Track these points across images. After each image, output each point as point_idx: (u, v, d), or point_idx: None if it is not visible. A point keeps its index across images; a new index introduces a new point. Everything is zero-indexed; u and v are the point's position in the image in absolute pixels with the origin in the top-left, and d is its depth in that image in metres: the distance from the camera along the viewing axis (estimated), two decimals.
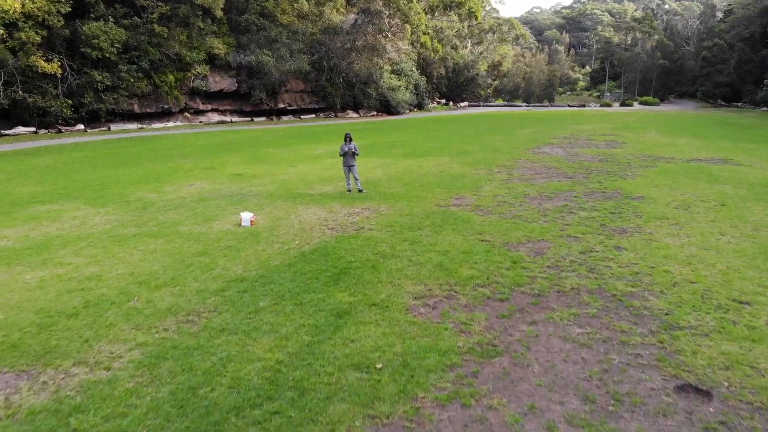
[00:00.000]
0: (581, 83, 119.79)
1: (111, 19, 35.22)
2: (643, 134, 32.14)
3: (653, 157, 22.14)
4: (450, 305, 7.23)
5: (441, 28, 68.38)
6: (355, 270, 8.52)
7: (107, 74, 34.84)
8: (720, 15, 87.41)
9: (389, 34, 52.36)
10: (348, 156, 14.56)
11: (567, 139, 29.61)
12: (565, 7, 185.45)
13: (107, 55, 34.22)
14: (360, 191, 14.80)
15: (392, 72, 55.22)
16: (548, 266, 8.79)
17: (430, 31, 64.02)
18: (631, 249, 9.75)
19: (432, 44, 60.99)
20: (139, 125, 37.06)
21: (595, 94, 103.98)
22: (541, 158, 21.76)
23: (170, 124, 38.44)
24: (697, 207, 13.05)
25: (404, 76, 55.98)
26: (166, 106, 38.49)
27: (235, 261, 9.09)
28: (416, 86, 58.24)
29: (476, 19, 69.17)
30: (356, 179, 14.83)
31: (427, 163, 20.57)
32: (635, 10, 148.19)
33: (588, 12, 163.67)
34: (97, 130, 35.65)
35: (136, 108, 37.36)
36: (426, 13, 63.30)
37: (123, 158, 22.53)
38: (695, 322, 6.87)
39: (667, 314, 7.07)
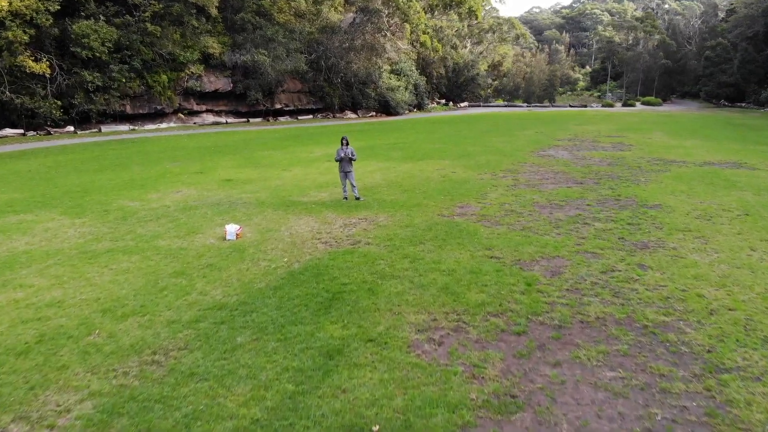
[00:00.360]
0: (581, 83, 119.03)
1: (102, 18, 34.24)
2: (650, 136, 31.20)
3: (664, 160, 21.19)
4: (459, 340, 6.26)
5: (441, 27, 67.42)
6: (349, 294, 7.55)
7: (98, 74, 33.84)
8: (722, 14, 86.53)
9: (388, 34, 51.39)
10: (344, 162, 13.60)
11: (571, 140, 28.67)
12: (564, 7, 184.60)
13: (98, 54, 33.22)
14: (357, 199, 13.85)
15: (391, 72, 54.26)
16: (567, 289, 7.83)
17: (429, 30, 63.06)
18: (656, 267, 8.79)
19: (432, 43, 60.03)
20: (131, 126, 36.06)
21: (595, 94, 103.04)
22: (547, 161, 20.80)
23: (163, 125, 37.42)
24: (719, 217, 12.10)
25: (403, 76, 55.02)
26: (159, 107, 37.48)
27: (215, 283, 8.11)
28: (416, 86, 57.30)
29: (476, 18, 68.20)
30: (353, 186, 13.87)
31: (428, 166, 19.62)
32: (635, 9, 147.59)
33: (588, 12, 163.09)
34: (87, 131, 34.65)
35: (128, 109, 36.36)
36: (425, 12, 62.33)
37: (110, 162, 21.54)
38: (743, 361, 5.92)
39: (709, 351, 6.11)
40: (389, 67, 54.24)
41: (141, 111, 36.98)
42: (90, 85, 33.54)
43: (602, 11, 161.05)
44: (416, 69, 58.48)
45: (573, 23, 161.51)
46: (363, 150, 24.23)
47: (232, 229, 10.37)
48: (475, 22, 73.11)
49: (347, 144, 13.71)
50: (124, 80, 35.08)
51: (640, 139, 28.96)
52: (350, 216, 12.18)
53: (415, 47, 59.14)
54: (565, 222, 11.67)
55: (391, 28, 52.53)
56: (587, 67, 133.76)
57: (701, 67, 70.38)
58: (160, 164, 20.46)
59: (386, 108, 52.73)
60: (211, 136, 31.80)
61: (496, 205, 13.20)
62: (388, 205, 13.21)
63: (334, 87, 49.00)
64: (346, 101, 50.76)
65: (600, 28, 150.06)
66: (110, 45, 34.01)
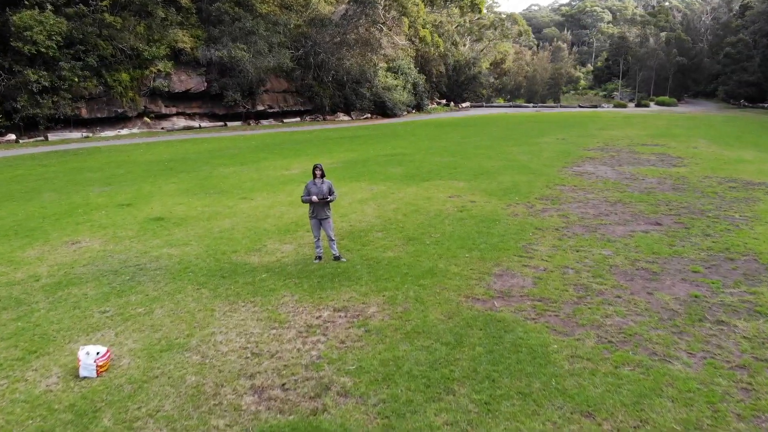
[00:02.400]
0: (582, 82, 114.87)
1: (50, 7, 29.24)
2: (694, 144, 26.46)
3: (740, 182, 16.41)
4: None
5: (440, 22, 62.48)
6: None
7: (45, 73, 28.84)
8: (734, 10, 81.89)
9: (384, 28, 46.52)
10: (318, 205, 8.78)
11: (604, 150, 23.89)
12: (563, 5, 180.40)
13: (44, 50, 28.25)
14: (336, 259, 9.03)
15: (388, 70, 49.39)
16: None
17: (428, 25, 58.14)
18: None
19: (432, 39, 55.12)
20: (86, 133, 31.03)
21: (601, 93, 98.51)
22: (590, 184, 16.00)
23: (124, 131, 32.38)
24: None
25: (401, 74, 50.11)
26: (120, 110, 32.45)
27: None
28: (414, 85, 52.35)
29: (480, 11, 63.37)
30: (331, 240, 9.04)
31: (437, 191, 14.81)
32: (636, 7, 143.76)
33: (587, 9, 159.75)
34: (33, 140, 29.67)
35: (84, 113, 31.36)
36: (425, 5, 57.41)
37: (24, 186, 16.61)
38: None
39: None
40: (385, 65, 49.36)
41: (99, 115, 31.97)
42: (35, 85, 28.54)
43: (602, 9, 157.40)
44: (415, 67, 53.55)
45: (572, 21, 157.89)
46: (354, 165, 19.41)
47: (89, 358, 5.48)
48: (477, 16, 68.28)
49: (322, 175, 8.91)
50: (76, 79, 30.08)
51: (687, 150, 24.18)
52: (321, 302, 7.33)
53: (413, 43, 54.21)
54: (684, 316, 6.85)
55: (387, 23, 47.67)
56: (588, 65, 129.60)
57: (721, 65, 65.66)
58: (83, 190, 15.53)
59: (382, 109, 47.83)
60: (174, 146, 26.85)
61: (554, 274, 8.37)
62: (383, 273, 8.37)
63: (325, 86, 44.05)
64: (337, 102, 45.80)
65: (602, 25, 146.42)
66: (59, 38, 29.06)
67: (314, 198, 8.68)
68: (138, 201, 13.78)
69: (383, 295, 7.50)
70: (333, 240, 9.02)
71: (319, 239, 9.02)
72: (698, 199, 14.02)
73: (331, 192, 8.86)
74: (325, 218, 8.90)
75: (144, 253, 9.59)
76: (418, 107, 54.51)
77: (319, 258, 9.03)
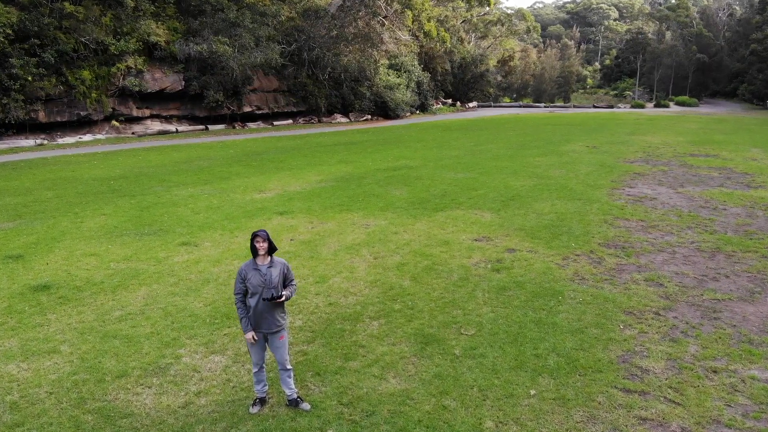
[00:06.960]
0: (590, 80, 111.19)
1: None
2: (749, 154, 22.41)
3: None
4: None
5: (446, 17, 58.28)
6: None
7: None
8: (754, 5, 77.55)
9: (386, 21, 42.41)
10: (258, 306, 4.74)
11: (650, 163, 19.82)
12: (568, 2, 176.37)
13: None
14: (293, 403, 4.97)
15: (389, 67, 45.27)
16: None
17: (433, 19, 53.97)
18: None
19: (438, 33, 50.92)
20: (41, 140, 26.93)
21: (611, 92, 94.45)
22: (659, 216, 11.92)
23: (88, 137, 28.29)
24: None
25: (404, 71, 45.97)
26: (83, 113, 28.39)
27: None
28: (418, 84, 48.18)
29: (489, 4, 59.17)
30: (284, 369, 4.96)
31: (457, 229, 10.77)
32: (642, 3, 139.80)
33: (593, 6, 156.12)
34: None
35: (42, 116, 27.32)
36: None
37: None
38: None
39: None
40: (387, 62, 45.24)
41: (59, 119, 27.92)
42: None
43: (609, 6, 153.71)
44: (419, 64, 49.40)
45: (577, 18, 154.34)
46: (347, 184, 15.34)
47: None
48: (485, 11, 64.07)
49: (270, 250, 4.81)
50: (31, 78, 26.05)
51: (747, 163, 20.10)
52: None
53: (417, 38, 50.06)
54: None
55: (389, 16, 43.55)
56: (596, 63, 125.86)
57: (746, 63, 61.39)
58: None
59: (384, 110, 43.71)
60: (136, 156, 22.78)
61: None
62: None
63: (320, 85, 39.95)
64: (334, 102, 41.66)
65: (610, 22, 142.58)
66: (9, 31, 25.09)
67: (254, 289, 4.66)
68: (36, 250, 9.73)
69: None
70: (288, 370, 4.95)
71: (262, 368, 4.96)
72: None
73: (286, 280, 4.83)
74: (276, 332, 4.84)
75: None
76: (423, 107, 50.39)
77: (262, 402, 4.97)
